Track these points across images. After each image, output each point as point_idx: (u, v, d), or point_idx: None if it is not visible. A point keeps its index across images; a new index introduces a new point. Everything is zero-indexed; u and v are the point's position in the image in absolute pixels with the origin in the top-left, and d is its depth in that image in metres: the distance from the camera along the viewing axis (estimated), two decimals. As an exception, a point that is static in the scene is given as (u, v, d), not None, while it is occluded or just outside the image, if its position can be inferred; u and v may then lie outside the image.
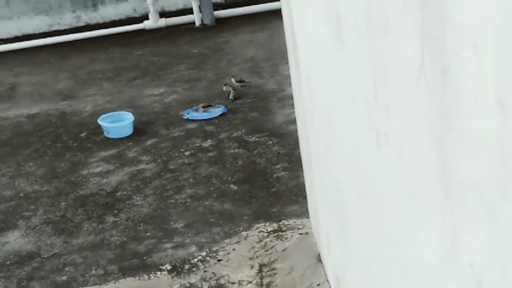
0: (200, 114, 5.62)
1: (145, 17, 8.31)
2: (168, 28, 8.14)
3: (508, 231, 1.12)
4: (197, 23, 8.05)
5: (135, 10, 8.53)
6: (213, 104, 5.75)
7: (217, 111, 5.64)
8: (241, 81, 6.00)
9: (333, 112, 2.56)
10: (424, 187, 1.55)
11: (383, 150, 1.88)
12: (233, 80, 6.02)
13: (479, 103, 1.17)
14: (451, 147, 1.34)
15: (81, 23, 8.60)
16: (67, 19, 8.62)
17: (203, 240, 4.02)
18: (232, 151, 5.02)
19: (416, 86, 1.50)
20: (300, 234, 3.91)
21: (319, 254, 3.67)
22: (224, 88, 5.96)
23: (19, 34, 8.63)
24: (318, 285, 3.50)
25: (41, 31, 8.61)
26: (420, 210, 1.62)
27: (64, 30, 8.56)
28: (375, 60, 1.81)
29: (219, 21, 8.03)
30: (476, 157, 1.21)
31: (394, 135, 1.76)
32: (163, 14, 8.29)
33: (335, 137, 2.62)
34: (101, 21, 8.58)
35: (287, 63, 6.45)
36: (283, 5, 3.55)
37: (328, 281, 3.47)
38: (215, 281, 3.69)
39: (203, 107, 5.69)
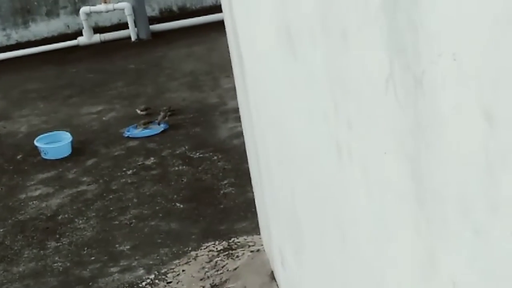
0: (140, 131, 5.48)
1: (79, 33, 8.12)
2: (103, 43, 7.97)
3: (498, 248, 1.05)
4: (133, 38, 7.90)
5: (68, 26, 8.32)
6: (153, 120, 5.61)
7: (158, 127, 5.50)
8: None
9: (286, 126, 2.47)
10: (394, 200, 1.48)
11: (345, 164, 1.80)
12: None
13: (460, 114, 1.10)
14: (427, 160, 1.27)
15: (12, 42, 8.35)
16: (-3, 38, 8.35)
17: (151, 262, 3.88)
18: (176, 168, 4.89)
19: (382, 98, 1.42)
20: (252, 251, 3.81)
21: (272, 272, 3.57)
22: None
23: None
24: (272, 303, 3.41)
25: (-30, 51, 8.32)
26: (390, 224, 1.54)
27: (-5, 49, 8.30)
28: (333, 72, 1.73)
29: (155, 35, 7.90)
30: (459, 170, 1.13)
31: (358, 149, 1.68)
32: (97, 30, 8.11)
33: (288, 151, 2.54)
34: (33, 39, 8.34)
35: (228, 76, 6.38)
36: (226, 18, 3.46)
37: (283, 299, 3.38)
38: (166, 305, 3.56)
39: (144, 123, 5.55)
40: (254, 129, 3.21)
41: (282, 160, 2.68)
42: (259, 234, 3.87)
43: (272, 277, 3.55)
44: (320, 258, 2.31)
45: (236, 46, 3.24)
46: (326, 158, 1.97)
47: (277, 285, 3.47)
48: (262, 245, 3.80)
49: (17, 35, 8.35)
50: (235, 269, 3.71)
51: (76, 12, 8.18)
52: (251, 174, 3.76)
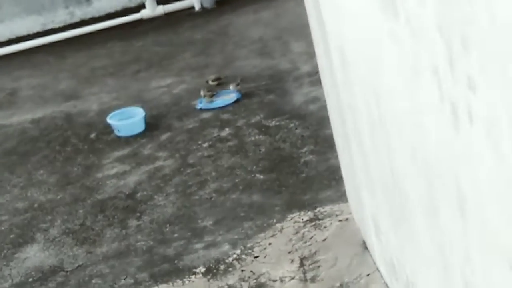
0: (213, 103, 5.33)
1: (142, 6, 8.00)
2: (167, 15, 7.83)
3: None
4: (197, 7, 7.74)
5: (130, 0, 8.22)
6: (218, 91, 5.42)
7: (231, 97, 5.35)
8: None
9: (382, 86, 2.29)
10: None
11: (464, 129, 1.61)
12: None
13: None
14: None
15: (76, 19, 8.29)
16: (61, 16, 8.31)
17: (236, 236, 3.76)
18: (253, 138, 4.75)
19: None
20: (340, 221, 3.65)
21: (364, 242, 3.41)
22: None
23: (12, 36, 8.32)
24: (368, 275, 3.25)
25: (35, 31, 8.30)
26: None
27: (59, 28, 8.24)
28: (449, 27, 1.54)
29: (220, 3, 7.72)
30: None
31: (481, 109, 1.49)
32: (160, 1, 7.99)
33: (384, 113, 2.35)
34: (96, 15, 8.26)
35: (298, 40, 6.18)
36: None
37: (378, 270, 3.22)
38: (255, 280, 3.44)
39: (210, 96, 5.35)
40: (339, 92, 3.03)
41: (376, 123, 2.50)
42: (346, 202, 3.70)
43: (365, 247, 3.39)
44: (430, 227, 2.13)
45: (315, 7, 3.05)
46: (437, 119, 1.78)
47: (370, 255, 3.31)
48: (350, 213, 3.64)
49: (80, 12, 8.29)
50: (324, 240, 3.56)
51: (138, -16, 8.06)
52: (335, 140, 3.58)
